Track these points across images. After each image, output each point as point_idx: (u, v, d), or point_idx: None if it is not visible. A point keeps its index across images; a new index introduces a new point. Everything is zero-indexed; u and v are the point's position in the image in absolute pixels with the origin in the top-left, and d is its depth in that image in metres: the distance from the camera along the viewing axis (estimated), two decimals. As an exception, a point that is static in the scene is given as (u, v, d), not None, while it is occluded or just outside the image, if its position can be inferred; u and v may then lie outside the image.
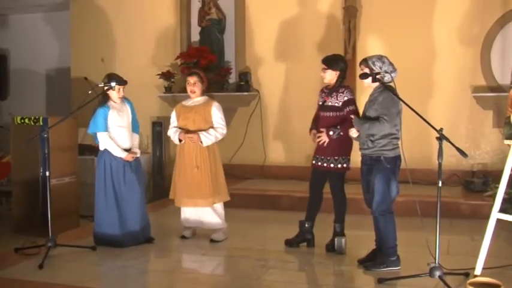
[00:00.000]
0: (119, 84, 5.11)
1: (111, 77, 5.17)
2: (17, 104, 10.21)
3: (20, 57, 10.61)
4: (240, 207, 6.34)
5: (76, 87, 9.28)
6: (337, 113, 4.90)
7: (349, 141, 4.92)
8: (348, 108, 4.87)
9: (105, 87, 5.10)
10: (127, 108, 5.31)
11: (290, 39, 8.18)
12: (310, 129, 5.11)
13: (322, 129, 4.92)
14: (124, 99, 5.32)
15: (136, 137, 5.41)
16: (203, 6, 8.54)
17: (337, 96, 4.91)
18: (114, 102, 5.21)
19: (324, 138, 4.90)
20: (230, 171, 6.84)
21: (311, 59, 7.82)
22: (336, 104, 4.90)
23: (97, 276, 4.46)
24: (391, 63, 4.45)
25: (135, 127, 5.40)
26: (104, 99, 5.21)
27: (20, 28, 10.73)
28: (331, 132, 4.85)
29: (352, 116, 4.57)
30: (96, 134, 5.18)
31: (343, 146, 4.91)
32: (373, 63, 4.44)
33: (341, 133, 4.83)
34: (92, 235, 5.24)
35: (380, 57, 4.48)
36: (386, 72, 4.40)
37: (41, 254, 4.75)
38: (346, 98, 4.89)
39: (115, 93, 5.17)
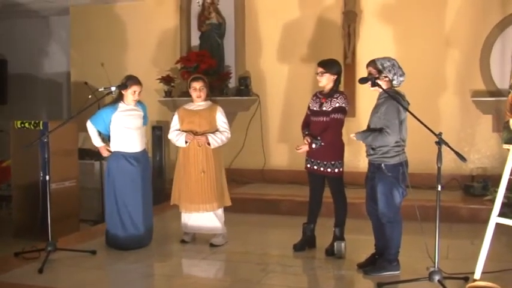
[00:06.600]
0: (119, 89, 5.11)
1: (128, 78, 5.21)
2: (17, 108, 10.20)
3: (20, 62, 10.60)
4: (240, 212, 6.33)
5: (76, 91, 9.30)
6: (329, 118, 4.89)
7: (341, 145, 4.95)
8: (333, 115, 4.83)
9: (106, 92, 5.12)
10: (139, 112, 5.30)
11: (290, 43, 8.19)
12: (305, 135, 5.00)
13: (307, 139, 4.91)
14: (138, 103, 5.32)
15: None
16: (203, 11, 8.55)
17: (331, 101, 4.87)
18: (126, 104, 5.22)
19: (303, 150, 4.92)
20: (230, 176, 6.78)
21: (311, 64, 7.83)
22: (330, 109, 4.86)
23: (97, 280, 4.46)
24: (400, 67, 4.34)
25: (144, 122, 5.39)
26: (117, 99, 5.23)
27: (20, 33, 10.73)
28: (313, 145, 4.84)
29: (353, 135, 4.43)
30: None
31: (336, 150, 4.92)
32: (382, 65, 4.29)
33: (322, 143, 4.82)
34: (92, 239, 5.24)
35: (390, 59, 4.33)
36: (395, 75, 4.28)
37: (41, 258, 4.75)
38: (337, 105, 4.84)
39: (130, 96, 5.18)
